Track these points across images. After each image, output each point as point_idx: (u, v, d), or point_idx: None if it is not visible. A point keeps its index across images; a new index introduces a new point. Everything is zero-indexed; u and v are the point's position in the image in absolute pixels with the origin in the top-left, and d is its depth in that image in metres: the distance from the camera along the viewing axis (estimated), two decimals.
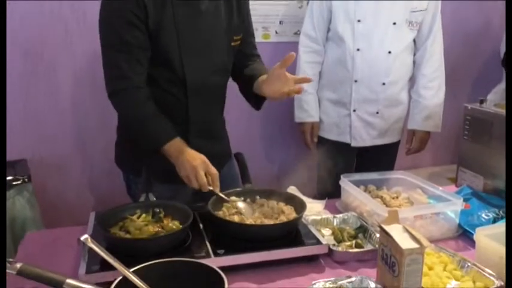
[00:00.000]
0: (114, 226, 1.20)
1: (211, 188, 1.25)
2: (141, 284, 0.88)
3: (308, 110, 2.17)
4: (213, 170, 1.24)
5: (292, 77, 1.33)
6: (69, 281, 0.86)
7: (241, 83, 1.55)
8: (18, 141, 2.22)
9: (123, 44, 1.25)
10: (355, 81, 2.05)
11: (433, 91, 2.11)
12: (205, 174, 1.24)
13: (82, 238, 0.92)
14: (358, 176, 1.58)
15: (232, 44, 1.41)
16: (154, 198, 1.29)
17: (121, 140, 1.53)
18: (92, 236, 1.01)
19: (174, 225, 1.20)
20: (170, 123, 1.31)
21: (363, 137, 2.14)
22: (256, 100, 1.51)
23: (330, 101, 2.15)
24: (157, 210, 1.25)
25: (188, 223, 1.16)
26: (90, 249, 0.94)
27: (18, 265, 0.85)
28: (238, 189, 1.40)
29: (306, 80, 1.39)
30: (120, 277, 0.89)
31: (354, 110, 2.09)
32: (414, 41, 2.09)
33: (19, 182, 1.96)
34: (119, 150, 1.55)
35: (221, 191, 1.29)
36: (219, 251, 1.13)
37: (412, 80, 2.15)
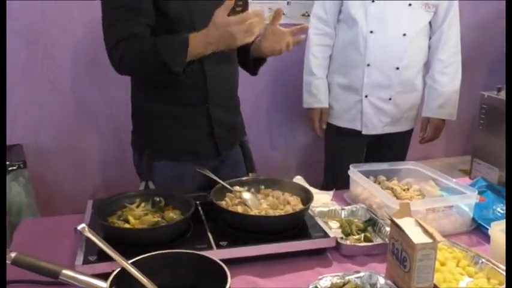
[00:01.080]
0: (112, 215, 1.20)
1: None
2: (140, 276, 0.88)
3: (317, 95, 2.16)
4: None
5: (289, 30, 1.32)
6: (66, 271, 0.87)
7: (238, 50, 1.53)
8: (13, 126, 2.22)
9: (125, 7, 1.22)
10: (368, 65, 2.03)
11: (449, 77, 2.09)
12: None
13: (79, 227, 0.92)
14: (367, 166, 1.58)
15: (237, 9, 1.37)
16: (154, 187, 1.29)
17: (133, 113, 1.49)
18: (90, 225, 1.02)
19: (175, 214, 1.20)
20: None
21: (375, 125, 2.13)
22: (254, 64, 1.50)
23: (340, 86, 2.14)
24: (158, 199, 1.25)
25: (190, 213, 1.16)
26: (88, 238, 0.94)
27: (13, 254, 0.86)
28: (242, 178, 1.40)
29: (303, 28, 1.37)
30: (118, 268, 0.89)
31: (366, 96, 2.08)
32: (430, 24, 2.06)
33: (14, 167, 1.97)
34: (133, 126, 1.52)
35: (223, 177, 1.28)
36: (221, 243, 1.13)
37: (427, 65, 2.13)
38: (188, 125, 1.36)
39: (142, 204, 1.25)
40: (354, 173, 1.52)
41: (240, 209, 1.24)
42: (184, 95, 1.35)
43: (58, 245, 1.22)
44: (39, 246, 1.23)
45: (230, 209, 1.24)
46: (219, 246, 1.12)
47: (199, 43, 1.18)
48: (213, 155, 1.41)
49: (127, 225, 1.16)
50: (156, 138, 1.40)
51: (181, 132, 1.34)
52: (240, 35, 1.12)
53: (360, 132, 2.14)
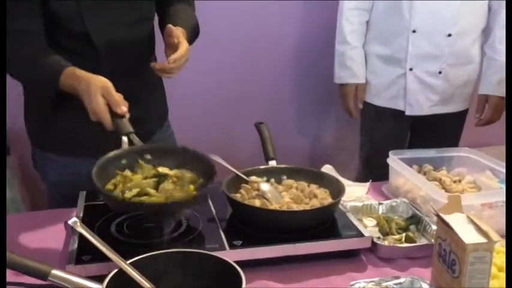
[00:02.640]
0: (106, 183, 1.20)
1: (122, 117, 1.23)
2: (140, 279, 0.90)
3: (352, 68, 2.15)
4: (114, 95, 1.23)
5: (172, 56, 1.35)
6: (56, 272, 0.89)
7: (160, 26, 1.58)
8: None
9: None
10: (413, 31, 2.01)
11: None
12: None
13: (70, 221, 0.94)
14: (411, 153, 1.58)
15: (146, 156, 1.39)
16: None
17: (25, 102, 1.58)
18: (83, 220, 1.05)
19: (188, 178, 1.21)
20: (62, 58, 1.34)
21: (421, 104, 2.11)
22: None
23: (379, 57, 2.13)
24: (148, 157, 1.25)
25: (212, 179, 1.16)
26: (81, 235, 0.96)
27: None
28: (260, 166, 1.41)
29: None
30: (116, 270, 0.91)
31: (411, 69, 2.07)
32: None
33: None
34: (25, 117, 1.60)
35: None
36: (235, 242, 1.14)
37: (486, 32, 2.10)
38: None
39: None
40: (395, 161, 1.52)
41: (257, 203, 1.25)
42: None
43: (46, 243, 1.25)
44: (25, 244, 1.26)
45: (246, 202, 1.25)
46: (232, 246, 1.13)
47: (69, 85, 1.28)
48: None
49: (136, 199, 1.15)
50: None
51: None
52: (92, 117, 1.23)
53: (402, 112, 2.13)
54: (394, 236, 1.29)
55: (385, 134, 2.16)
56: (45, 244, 1.25)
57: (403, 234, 1.28)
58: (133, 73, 1.48)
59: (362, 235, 1.19)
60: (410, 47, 2.04)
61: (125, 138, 1.23)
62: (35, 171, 1.62)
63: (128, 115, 1.24)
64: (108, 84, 1.24)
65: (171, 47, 1.39)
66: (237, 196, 1.29)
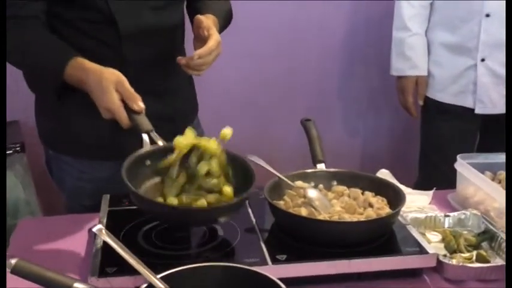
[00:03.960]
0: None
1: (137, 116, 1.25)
2: None
3: (412, 58, 2.14)
4: (130, 89, 1.25)
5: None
6: (79, 285, 0.91)
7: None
8: (7, 96, 2.33)
9: None
10: (487, 15, 1.99)
11: None
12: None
13: (94, 229, 0.95)
14: (482, 158, 1.55)
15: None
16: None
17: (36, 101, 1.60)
18: (107, 227, 1.06)
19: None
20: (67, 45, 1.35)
21: (494, 100, 2.09)
22: None
23: (445, 45, 2.12)
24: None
25: (251, 184, 1.18)
26: (104, 244, 0.98)
27: (13, 261, 0.91)
28: (307, 170, 1.40)
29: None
30: (145, 285, 0.92)
31: (482, 60, 2.05)
32: None
33: (10, 151, 2.06)
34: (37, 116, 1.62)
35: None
36: (279, 257, 1.14)
37: None
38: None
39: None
40: (464, 166, 1.49)
41: (303, 212, 1.25)
42: None
43: (66, 252, 1.28)
44: (41, 252, 1.29)
45: (291, 211, 1.25)
46: (275, 261, 1.13)
47: (76, 78, 1.30)
48: None
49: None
50: None
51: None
52: (105, 114, 1.26)
53: (472, 110, 2.11)
54: (463, 254, 1.26)
55: (451, 135, 2.14)
56: (64, 253, 1.28)
57: (474, 253, 1.26)
58: (160, 64, 1.50)
59: (425, 252, 1.17)
60: (482, 34, 2.02)
61: (145, 137, 1.25)
62: None
63: (144, 111, 1.26)
64: (122, 77, 1.26)
65: (200, 39, 1.40)
66: (281, 203, 1.29)
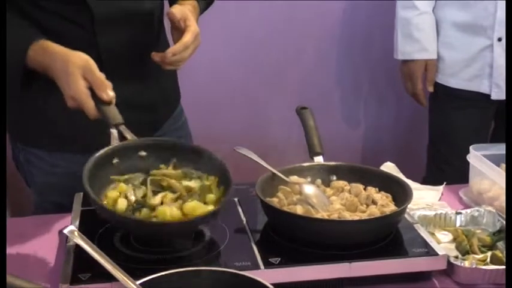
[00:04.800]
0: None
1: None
2: None
3: (420, 39, 2.15)
4: (99, 75, 1.23)
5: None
6: None
7: None
8: None
9: None
10: None
11: None
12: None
13: (66, 231, 0.94)
14: (498, 149, 1.54)
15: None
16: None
17: None
18: (80, 228, 1.04)
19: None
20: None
21: None
22: None
23: (456, 25, 2.12)
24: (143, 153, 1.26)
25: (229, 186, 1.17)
26: (77, 247, 0.96)
27: None
28: (303, 164, 1.40)
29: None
30: None
31: (499, 39, 2.05)
32: None
33: None
34: None
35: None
36: (272, 260, 1.13)
37: None
38: None
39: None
40: (477, 158, 1.49)
41: (299, 210, 1.24)
42: None
43: (34, 257, 1.26)
44: (8, 257, 1.26)
45: (285, 209, 1.24)
46: (268, 265, 1.13)
47: (39, 62, 1.29)
48: None
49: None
50: None
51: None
52: (70, 103, 1.24)
53: (487, 96, 2.12)
54: (476, 256, 1.26)
55: (463, 125, 2.15)
56: (32, 258, 1.26)
57: (489, 254, 1.26)
58: (137, 50, 1.49)
59: (435, 253, 1.17)
60: (499, 11, 2.02)
61: (114, 131, 1.23)
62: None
63: (114, 101, 1.23)
64: (90, 62, 1.24)
65: (178, 29, 1.40)
66: (274, 201, 1.28)
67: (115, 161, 1.22)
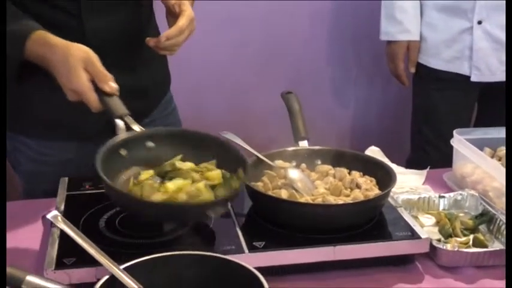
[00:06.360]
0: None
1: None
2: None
3: (403, 21, 2.15)
4: (100, 68, 1.22)
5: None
6: (31, 278, 0.89)
7: None
8: None
9: None
10: None
11: None
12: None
13: (49, 215, 0.95)
14: (481, 133, 1.56)
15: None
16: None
17: None
18: (65, 213, 1.04)
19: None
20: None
21: (492, 67, 2.11)
22: None
23: (439, 6, 2.12)
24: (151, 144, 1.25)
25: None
26: (62, 232, 0.96)
27: None
28: (287, 148, 1.40)
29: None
30: (106, 276, 0.91)
31: (479, 22, 2.06)
32: None
33: None
34: None
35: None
36: (256, 244, 1.14)
37: None
38: None
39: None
40: (460, 142, 1.50)
41: (284, 194, 1.24)
42: None
43: (19, 242, 1.26)
44: None
45: (270, 193, 1.25)
46: (252, 249, 1.13)
47: (38, 54, 1.27)
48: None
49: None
50: None
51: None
52: (72, 96, 1.23)
53: (468, 78, 2.12)
54: (458, 239, 1.27)
55: (446, 108, 2.15)
56: (17, 243, 1.26)
57: (471, 237, 1.27)
58: (126, 36, 1.48)
59: (418, 237, 1.17)
60: None
61: (120, 122, 1.22)
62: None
63: (117, 93, 1.23)
64: (91, 54, 1.23)
65: (173, 14, 1.39)
66: (259, 185, 1.28)
67: (123, 152, 1.21)
